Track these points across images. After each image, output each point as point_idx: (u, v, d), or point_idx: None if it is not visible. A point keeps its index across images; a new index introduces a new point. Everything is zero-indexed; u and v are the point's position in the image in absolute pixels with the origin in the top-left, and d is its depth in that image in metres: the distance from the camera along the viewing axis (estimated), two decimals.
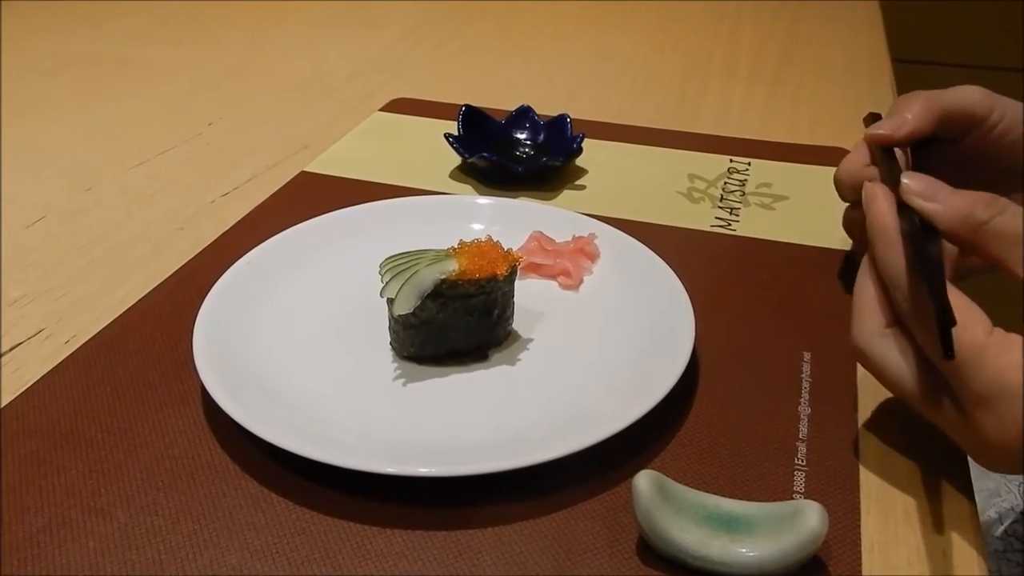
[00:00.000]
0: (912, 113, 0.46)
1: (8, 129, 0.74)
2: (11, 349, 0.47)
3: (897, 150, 0.46)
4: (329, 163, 0.67)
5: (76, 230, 0.58)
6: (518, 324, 0.47)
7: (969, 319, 0.33)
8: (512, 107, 0.69)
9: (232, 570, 0.34)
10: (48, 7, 1.09)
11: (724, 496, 0.35)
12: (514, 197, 0.60)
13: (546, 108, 0.70)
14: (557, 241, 0.53)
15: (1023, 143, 0.46)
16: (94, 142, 0.72)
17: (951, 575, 0.34)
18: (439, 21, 1.05)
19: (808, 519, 0.32)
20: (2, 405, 0.42)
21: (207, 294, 0.46)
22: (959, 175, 0.43)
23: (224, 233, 0.57)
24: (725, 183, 0.65)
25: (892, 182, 0.40)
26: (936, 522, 0.36)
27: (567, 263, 0.51)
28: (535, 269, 0.52)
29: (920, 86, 0.75)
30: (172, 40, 0.99)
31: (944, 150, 0.48)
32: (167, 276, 0.52)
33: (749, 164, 0.68)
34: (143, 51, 0.94)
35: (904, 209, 0.38)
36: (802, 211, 0.61)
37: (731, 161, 0.68)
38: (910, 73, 0.95)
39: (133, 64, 0.90)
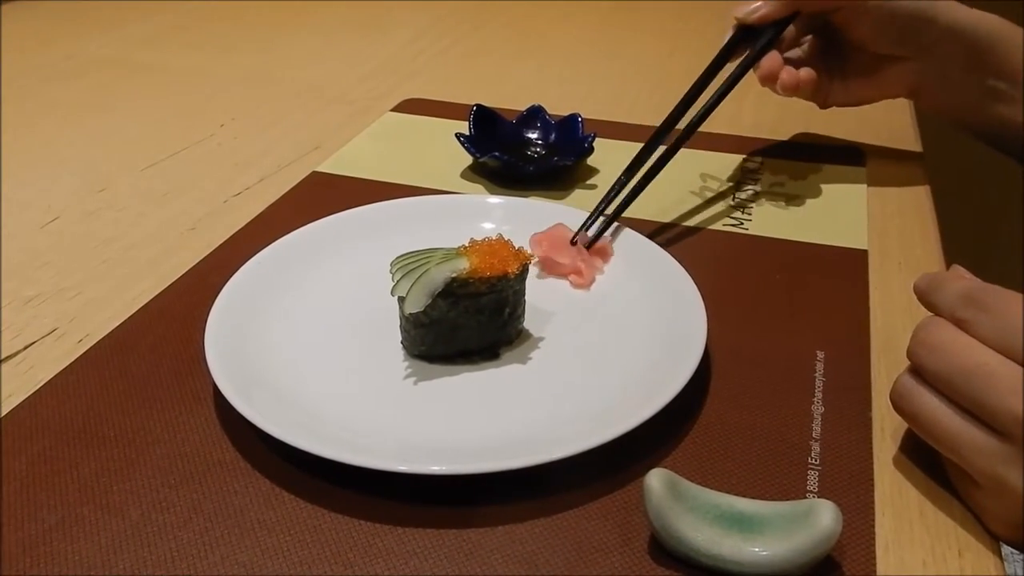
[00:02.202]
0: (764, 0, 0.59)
1: (23, 131, 0.75)
2: (25, 348, 0.47)
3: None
4: (340, 163, 0.67)
5: (89, 231, 0.59)
6: (529, 323, 0.47)
7: None
8: (523, 107, 0.69)
9: (243, 568, 0.34)
10: (63, 11, 1.10)
11: (737, 495, 0.35)
12: (525, 196, 0.60)
13: (557, 108, 0.70)
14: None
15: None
16: (108, 144, 0.73)
17: (966, 575, 0.34)
18: (450, 23, 1.05)
19: (822, 518, 0.32)
20: (4, 407, 0.43)
21: (219, 293, 0.47)
22: (835, 41, 0.62)
23: (236, 233, 0.57)
24: (738, 182, 0.64)
25: (754, 57, 0.60)
26: (951, 522, 0.36)
27: (579, 262, 0.51)
28: (547, 267, 0.51)
29: None
30: (186, 44, 0.99)
31: (816, 21, 0.63)
32: (179, 276, 0.52)
33: (762, 163, 0.67)
34: (157, 55, 0.95)
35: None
36: (815, 210, 0.60)
37: (744, 160, 0.68)
38: None
39: (147, 68, 0.91)
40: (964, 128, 0.65)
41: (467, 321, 0.43)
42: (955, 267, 0.38)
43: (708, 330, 0.43)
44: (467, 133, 0.66)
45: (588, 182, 0.64)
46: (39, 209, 0.62)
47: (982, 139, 0.65)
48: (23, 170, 0.68)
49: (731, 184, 0.64)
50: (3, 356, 0.46)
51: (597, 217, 0.54)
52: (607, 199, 0.55)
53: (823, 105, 0.65)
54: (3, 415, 0.42)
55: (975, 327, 0.34)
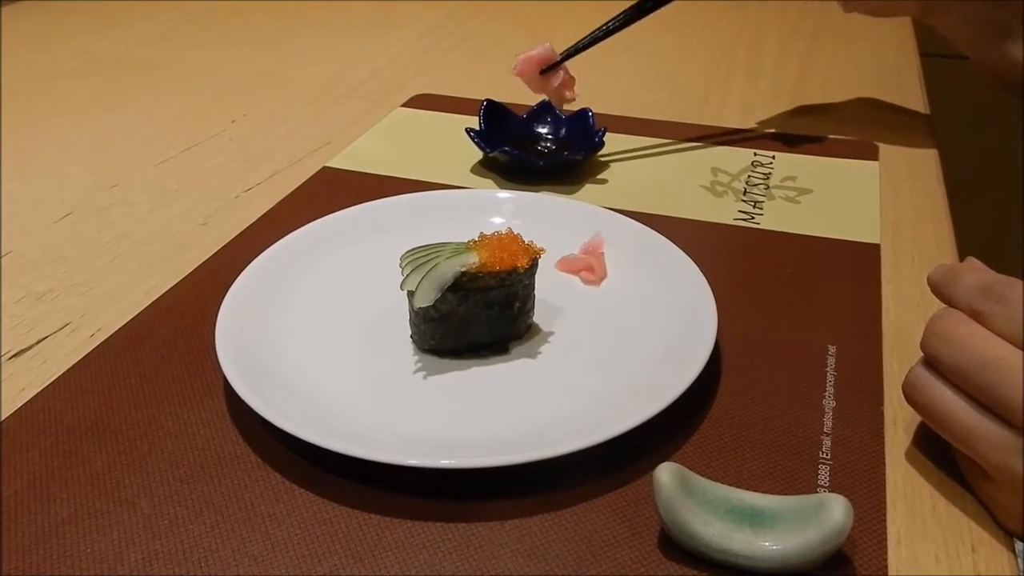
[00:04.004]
0: None
1: (36, 128, 0.75)
2: (38, 342, 0.47)
3: None
4: (350, 159, 0.67)
5: (102, 226, 0.59)
6: (539, 318, 0.46)
7: None
8: (534, 102, 0.69)
9: (254, 560, 0.34)
10: (74, 9, 1.10)
11: (747, 489, 0.35)
12: (535, 191, 0.60)
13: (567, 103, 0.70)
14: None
15: None
16: (119, 140, 0.73)
17: (980, 571, 0.34)
18: (460, 19, 1.05)
19: (833, 512, 0.32)
20: (18, 401, 0.43)
21: (229, 288, 0.47)
22: None
23: (246, 228, 0.57)
24: (749, 176, 0.64)
25: None
26: (964, 517, 0.36)
27: (591, 259, 0.51)
28: (558, 265, 0.51)
29: (948, 80, 0.74)
30: (196, 41, 0.99)
31: None
32: (190, 271, 0.53)
33: (773, 157, 0.67)
34: (168, 52, 0.95)
35: None
36: (827, 204, 0.60)
37: (755, 155, 0.68)
38: (938, 67, 0.94)
39: (158, 64, 0.91)
40: (976, 61, 0.66)
41: (477, 315, 0.43)
42: (970, 259, 0.38)
43: (718, 324, 0.43)
44: (477, 128, 0.66)
45: (599, 176, 0.64)
46: (52, 205, 0.62)
47: (989, 76, 0.66)
48: (36, 166, 0.68)
49: (742, 178, 0.64)
50: (17, 350, 0.46)
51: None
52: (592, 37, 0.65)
53: (845, 8, 0.68)
54: (17, 408, 0.42)
55: (992, 320, 0.33)
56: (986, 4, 0.62)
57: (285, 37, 1.00)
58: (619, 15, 0.66)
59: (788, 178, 0.64)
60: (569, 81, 0.65)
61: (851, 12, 0.69)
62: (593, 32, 0.66)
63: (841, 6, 0.68)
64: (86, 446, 0.40)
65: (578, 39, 0.66)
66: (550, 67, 0.64)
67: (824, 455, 0.39)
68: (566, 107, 0.67)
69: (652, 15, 0.66)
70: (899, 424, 0.40)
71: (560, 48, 0.65)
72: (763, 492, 0.35)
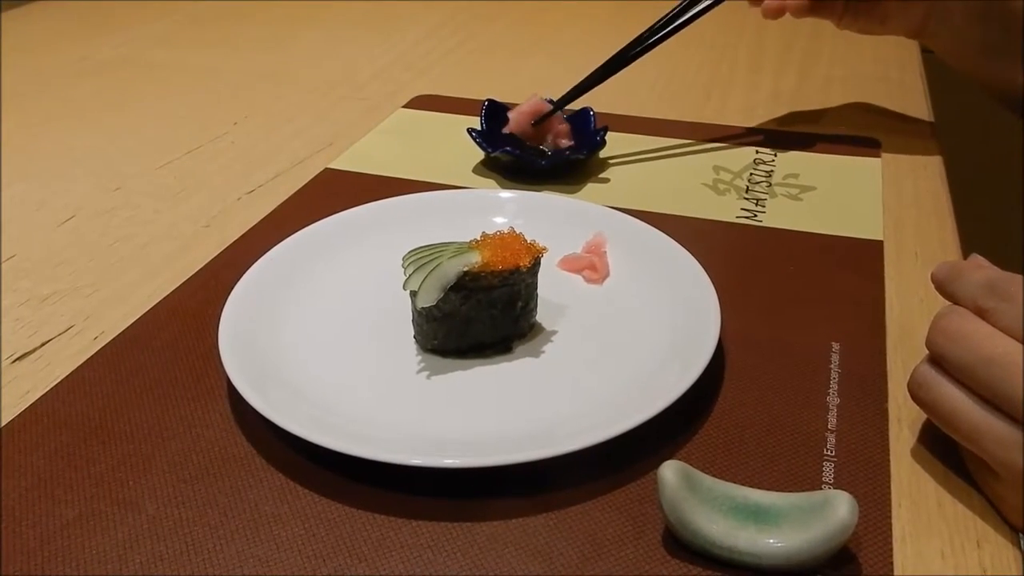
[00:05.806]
0: None
1: (39, 131, 0.76)
2: (41, 345, 0.47)
3: None
4: (352, 160, 0.67)
5: (105, 229, 0.59)
6: (542, 317, 0.46)
7: None
8: None
9: (258, 561, 0.34)
10: (78, 12, 1.11)
11: (752, 487, 0.35)
12: (537, 191, 0.60)
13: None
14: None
15: None
16: (122, 143, 0.73)
17: (985, 567, 0.33)
18: (462, 19, 1.05)
19: (837, 509, 0.32)
20: (22, 404, 0.43)
21: (232, 290, 0.47)
22: None
23: (249, 230, 0.57)
24: (751, 174, 0.64)
25: None
26: (970, 513, 0.36)
27: (593, 258, 0.51)
28: (561, 264, 0.51)
29: (950, 78, 0.74)
30: (199, 43, 1.00)
31: None
32: (193, 273, 0.53)
33: (775, 155, 0.67)
34: (170, 54, 0.96)
35: None
36: (829, 201, 0.60)
37: (757, 152, 0.67)
38: (939, 63, 0.94)
39: (160, 67, 0.91)
40: (969, 78, 0.66)
41: (479, 315, 0.43)
42: (974, 256, 0.38)
43: (722, 322, 0.43)
44: (479, 128, 0.66)
45: (600, 175, 0.64)
46: (55, 208, 0.62)
47: (986, 90, 0.66)
48: (39, 169, 0.68)
49: (744, 176, 0.64)
50: (21, 353, 0.47)
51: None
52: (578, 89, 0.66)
53: (838, 26, 0.68)
54: (21, 411, 0.42)
55: (997, 316, 0.33)
56: (977, 26, 0.62)
57: (287, 39, 1.00)
58: (609, 60, 0.66)
59: (790, 175, 0.64)
60: (564, 130, 0.66)
61: (845, 30, 0.68)
62: (584, 79, 0.66)
63: (835, 24, 0.68)
64: (90, 448, 0.40)
65: (571, 85, 0.67)
66: (543, 118, 0.65)
67: (829, 452, 0.38)
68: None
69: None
70: (903, 421, 0.40)
71: (542, 83, 0.67)
72: (767, 489, 0.35)
